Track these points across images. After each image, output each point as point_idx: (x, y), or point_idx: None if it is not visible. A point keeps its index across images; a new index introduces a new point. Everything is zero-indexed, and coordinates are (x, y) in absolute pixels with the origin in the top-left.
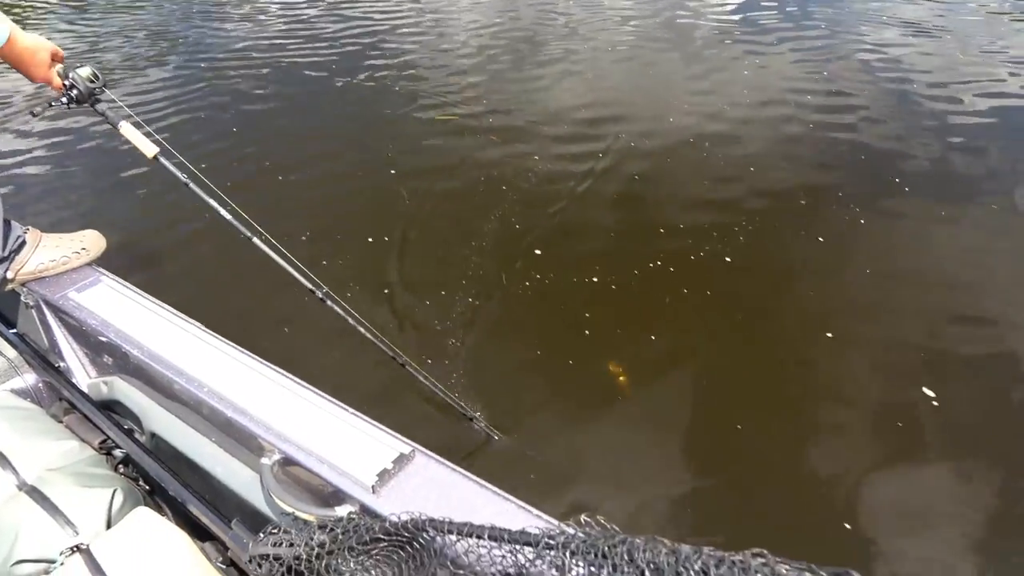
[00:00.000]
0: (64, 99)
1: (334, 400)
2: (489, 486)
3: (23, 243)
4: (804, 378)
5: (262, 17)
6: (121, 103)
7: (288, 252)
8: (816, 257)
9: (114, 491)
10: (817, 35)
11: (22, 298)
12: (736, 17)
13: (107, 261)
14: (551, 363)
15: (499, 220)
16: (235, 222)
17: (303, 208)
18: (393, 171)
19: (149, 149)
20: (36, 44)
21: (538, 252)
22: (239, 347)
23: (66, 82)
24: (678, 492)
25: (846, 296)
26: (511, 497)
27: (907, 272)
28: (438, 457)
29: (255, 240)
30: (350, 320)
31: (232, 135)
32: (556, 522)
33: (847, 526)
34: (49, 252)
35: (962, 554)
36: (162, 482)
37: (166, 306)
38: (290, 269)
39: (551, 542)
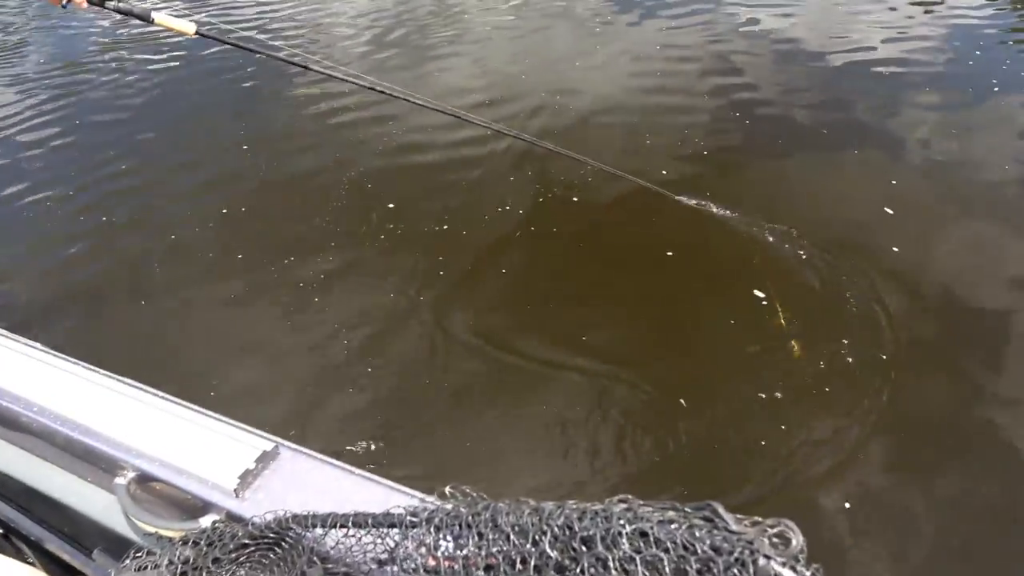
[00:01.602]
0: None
1: (188, 404)
2: (357, 471)
3: None
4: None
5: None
6: None
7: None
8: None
9: None
10: (691, 8)
11: None
12: None
13: None
14: None
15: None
16: (288, 59)
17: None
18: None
19: (189, 27)
20: None
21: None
22: (80, 361)
23: None
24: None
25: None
26: (381, 479)
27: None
28: (304, 449)
29: (313, 66)
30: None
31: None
32: (422, 497)
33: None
34: None
35: None
36: (14, 523)
37: None
38: (354, 80)
39: (415, 519)
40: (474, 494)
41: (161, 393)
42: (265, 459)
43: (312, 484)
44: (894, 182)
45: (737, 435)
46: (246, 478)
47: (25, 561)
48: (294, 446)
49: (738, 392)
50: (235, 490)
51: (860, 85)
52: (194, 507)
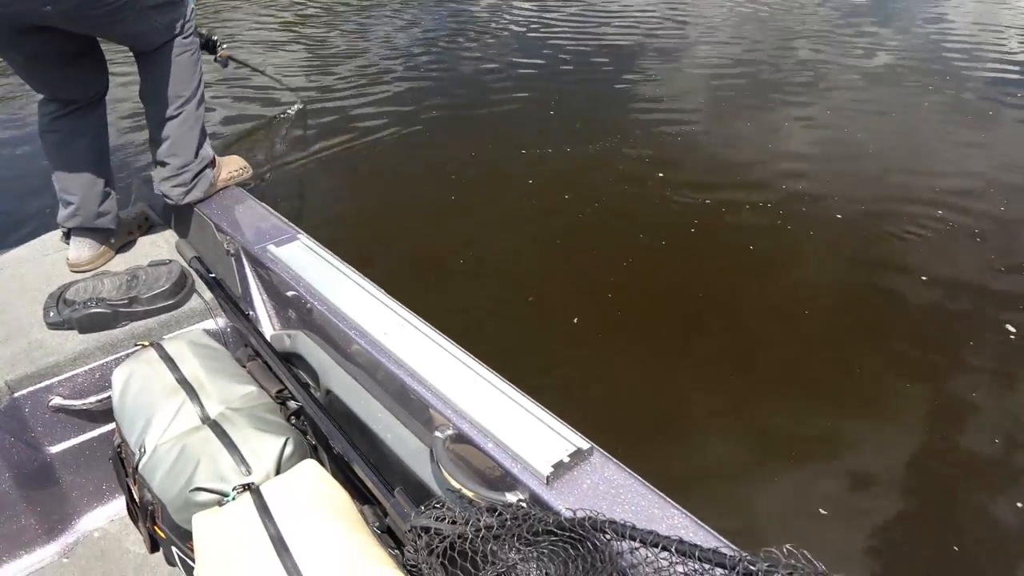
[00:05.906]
0: None
1: (512, 385)
2: (669, 500)
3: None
4: None
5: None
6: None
7: None
8: None
9: (286, 440)
10: None
11: (224, 245)
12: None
13: None
14: None
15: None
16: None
17: None
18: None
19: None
20: None
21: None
22: (422, 319)
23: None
24: None
25: None
26: (690, 514)
27: None
28: (616, 460)
29: None
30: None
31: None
32: (739, 550)
33: None
34: (225, 171)
35: None
36: (331, 439)
37: (355, 270)
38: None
39: (752, 568)
40: (814, 561)
41: (488, 366)
42: (579, 456)
43: (620, 496)
44: None
45: None
46: (559, 469)
47: None
48: (608, 455)
49: None
50: (547, 477)
51: None
52: (502, 480)
